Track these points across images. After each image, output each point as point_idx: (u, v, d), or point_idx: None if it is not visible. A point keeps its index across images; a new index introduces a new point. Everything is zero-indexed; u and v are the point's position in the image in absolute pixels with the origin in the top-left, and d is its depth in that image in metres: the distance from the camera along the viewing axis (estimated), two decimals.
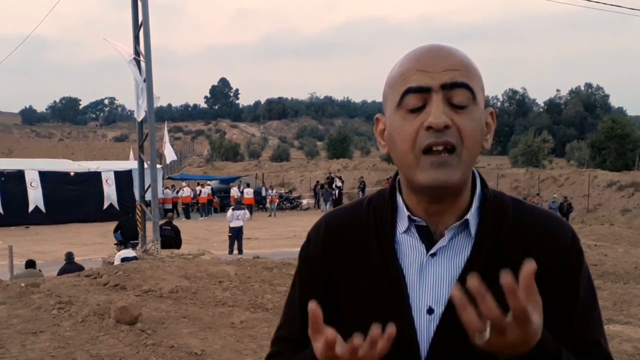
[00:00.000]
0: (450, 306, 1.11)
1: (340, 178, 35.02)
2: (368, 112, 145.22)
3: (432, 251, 1.17)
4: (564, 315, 1.18)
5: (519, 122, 72.81)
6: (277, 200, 32.56)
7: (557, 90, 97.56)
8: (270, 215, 30.59)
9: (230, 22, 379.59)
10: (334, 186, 34.01)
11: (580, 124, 71.98)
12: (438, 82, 1.10)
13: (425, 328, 1.15)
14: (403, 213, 1.20)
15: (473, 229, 1.17)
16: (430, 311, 1.15)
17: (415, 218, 1.19)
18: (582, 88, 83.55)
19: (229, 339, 6.77)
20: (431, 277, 1.17)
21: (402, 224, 1.21)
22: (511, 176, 33.32)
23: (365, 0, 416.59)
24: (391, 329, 0.99)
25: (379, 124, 1.24)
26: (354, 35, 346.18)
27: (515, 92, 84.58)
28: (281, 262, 10.17)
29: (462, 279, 1.12)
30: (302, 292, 1.30)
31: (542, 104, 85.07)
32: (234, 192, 31.08)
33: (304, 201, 34.29)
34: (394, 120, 1.16)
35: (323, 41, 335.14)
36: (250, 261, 10.29)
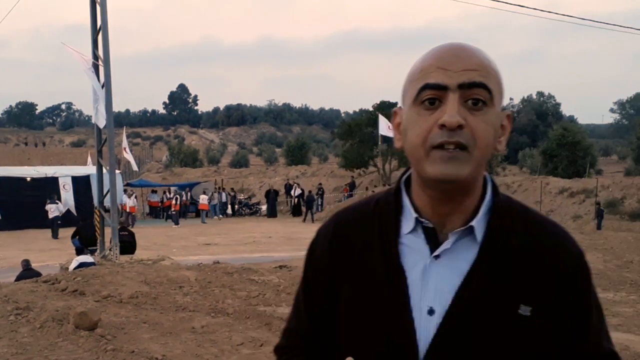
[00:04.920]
0: (451, 308, 1.14)
1: (298, 185, 35.10)
2: (325, 119, 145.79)
3: (436, 253, 1.17)
4: (579, 330, 1.19)
5: None
6: (208, 207, 31.21)
7: (510, 99, 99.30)
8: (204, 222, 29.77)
9: (192, 26, 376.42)
10: (291, 193, 34.09)
11: (533, 132, 73.04)
12: (456, 81, 1.11)
13: (424, 329, 1.14)
14: (410, 214, 1.21)
15: (479, 234, 1.17)
16: (431, 312, 1.15)
17: (422, 219, 1.19)
18: (534, 96, 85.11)
19: (190, 344, 6.78)
20: (434, 278, 1.16)
21: (408, 224, 1.21)
22: None
23: (336, 12, 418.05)
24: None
25: (397, 117, 1.24)
26: (315, 43, 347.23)
27: None
28: (241, 267, 10.24)
29: (465, 283, 1.15)
30: (306, 288, 1.34)
31: None
32: (203, 199, 30.87)
33: (263, 207, 34.25)
34: (410, 115, 1.16)
35: (286, 48, 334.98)
36: (210, 266, 10.32)
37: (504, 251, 1.17)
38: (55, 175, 26.99)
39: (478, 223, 1.17)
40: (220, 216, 32.18)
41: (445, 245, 1.17)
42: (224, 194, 34.16)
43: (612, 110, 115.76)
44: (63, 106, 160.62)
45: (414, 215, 1.19)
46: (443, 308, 1.14)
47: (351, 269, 1.24)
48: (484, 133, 1.12)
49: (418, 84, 1.14)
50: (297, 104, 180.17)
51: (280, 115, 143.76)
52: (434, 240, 1.19)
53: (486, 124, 1.12)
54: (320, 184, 35.73)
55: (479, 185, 1.20)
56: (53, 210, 24.01)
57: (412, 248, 1.20)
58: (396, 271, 1.18)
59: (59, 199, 25.56)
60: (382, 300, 1.18)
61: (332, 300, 1.25)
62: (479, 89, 1.11)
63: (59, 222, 23.68)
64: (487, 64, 1.14)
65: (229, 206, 33.94)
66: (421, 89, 1.13)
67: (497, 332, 1.13)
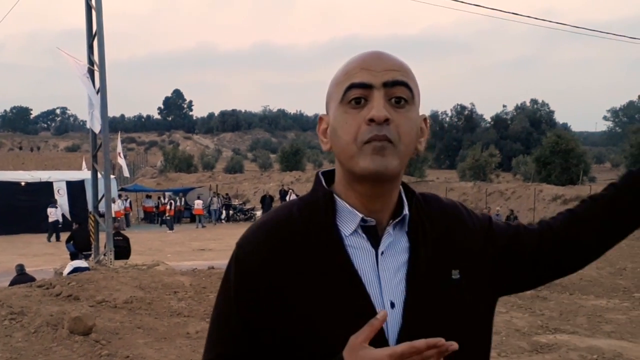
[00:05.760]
0: (408, 298, 1.20)
1: (293, 191, 35.13)
2: None
3: (382, 249, 1.22)
4: (520, 233, 1.36)
5: (467, 137, 73.75)
6: (203, 212, 31.32)
7: (504, 106, 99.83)
8: (198, 227, 29.91)
9: (188, 31, 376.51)
10: (286, 199, 34.11)
11: (526, 139, 73.33)
12: (380, 80, 1.17)
13: (390, 323, 1.18)
14: (349, 215, 1.23)
15: (406, 223, 1.26)
16: (392, 305, 1.19)
17: (367, 218, 1.22)
18: (528, 104, 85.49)
19: (185, 349, 6.81)
20: (385, 272, 1.21)
21: (348, 226, 1.23)
22: (459, 190, 33.91)
23: (334, 19, 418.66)
24: (383, 311, 1.10)
25: (322, 123, 1.28)
26: (312, 50, 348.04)
27: (463, 107, 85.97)
28: None
29: (410, 272, 1.22)
30: (242, 306, 1.24)
31: (489, 119, 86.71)
32: (198, 204, 30.88)
33: (258, 213, 34.26)
34: (338, 115, 1.20)
35: (282, 54, 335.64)
36: (205, 272, 10.32)
37: (426, 232, 1.26)
38: (50, 180, 26.98)
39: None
40: (215, 222, 32.14)
41: (389, 238, 1.23)
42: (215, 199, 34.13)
43: (605, 118, 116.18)
44: (58, 111, 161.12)
45: (360, 215, 1.22)
46: (400, 300, 1.20)
47: (297, 280, 1.20)
48: (408, 129, 1.18)
49: (344, 85, 1.19)
50: (291, 110, 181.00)
51: (275, 121, 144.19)
52: (374, 237, 1.23)
53: (409, 121, 1.19)
54: None
55: (400, 181, 1.27)
56: (53, 214, 24.03)
57: (358, 248, 1.22)
58: (352, 274, 1.20)
59: (54, 204, 25.57)
60: (346, 304, 1.18)
61: (280, 315, 1.20)
62: (401, 87, 1.18)
63: (59, 225, 23.68)
64: (407, 67, 1.22)
65: (223, 211, 33.93)
66: (347, 89, 1.18)
67: (450, 306, 1.22)
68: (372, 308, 1.17)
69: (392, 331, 1.18)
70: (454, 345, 1.06)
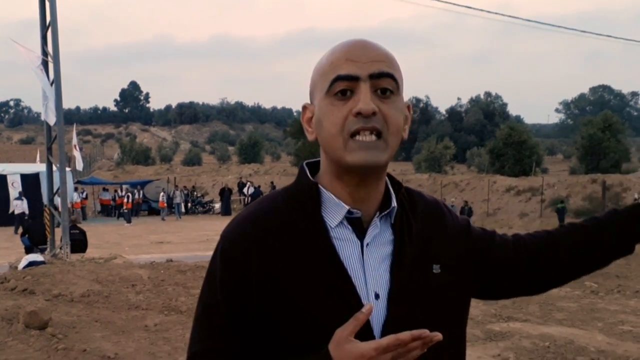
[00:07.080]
0: (392, 290, 1.21)
1: (252, 183, 35.09)
2: (278, 118, 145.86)
3: (367, 240, 1.22)
4: (495, 241, 1.39)
5: (422, 130, 74.48)
6: (165, 205, 31.45)
7: (458, 99, 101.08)
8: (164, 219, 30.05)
9: (145, 23, 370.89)
10: (245, 191, 34.06)
11: (480, 132, 74.45)
12: (366, 72, 1.16)
13: (375, 314, 1.18)
14: (335, 207, 1.23)
15: (392, 216, 1.26)
16: (376, 296, 1.20)
17: (353, 210, 1.22)
18: (482, 96, 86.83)
19: (143, 342, 6.78)
20: (370, 264, 1.21)
21: (334, 217, 1.23)
22: (415, 181, 34.24)
23: (292, 11, 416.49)
24: (369, 305, 1.12)
25: (306, 112, 1.27)
26: (270, 42, 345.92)
27: (419, 100, 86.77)
28: (195, 265, 10.23)
29: (394, 264, 1.23)
30: (229, 298, 1.22)
31: (444, 112, 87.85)
32: (162, 197, 30.69)
33: (216, 205, 34.09)
34: (323, 106, 1.19)
35: (240, 46, 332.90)
36: (163, 265, 10.29)
37: (410, 225, 1.27)
38: (4, 173, 26.38)
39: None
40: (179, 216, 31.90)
41: (374, 230, 1.24)
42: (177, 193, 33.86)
43: (557, 110, 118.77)
44: (11, 103, 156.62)
45: (346, 207, 1.22)
46: (384, 291, 1.20)
47: (285, 271, 1.20)
48: (395, 119, 1.18)
49: (329, 76, 1.18)
50: (249, 102, 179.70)
51: (232, 113, 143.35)
52: (359, 228, 1.23)
53: (395, 111, 1.19)
54: (272, 182, 35.79)
55: (386, 171, 1.27)
56: (19, 206, 23.54)
57: (343, 240, 1.22)
58: (337, 265, 1.20)
59: (7, 196, 25.08)
60: (332, 295, 1.18)
61: (265, 306, 1.20)
62: (387, 79, 1.18)
63: (26, 217, 23.33)
64: (392, 56, 1.22)
65: (182, 205, 33.69)
66: (333, 81, 1.17)
67: (432, 298, 1.24)
68: (358, 299, 1.17)
69: (376, 322, 1.18)
70: (438, 335, 1.08)
